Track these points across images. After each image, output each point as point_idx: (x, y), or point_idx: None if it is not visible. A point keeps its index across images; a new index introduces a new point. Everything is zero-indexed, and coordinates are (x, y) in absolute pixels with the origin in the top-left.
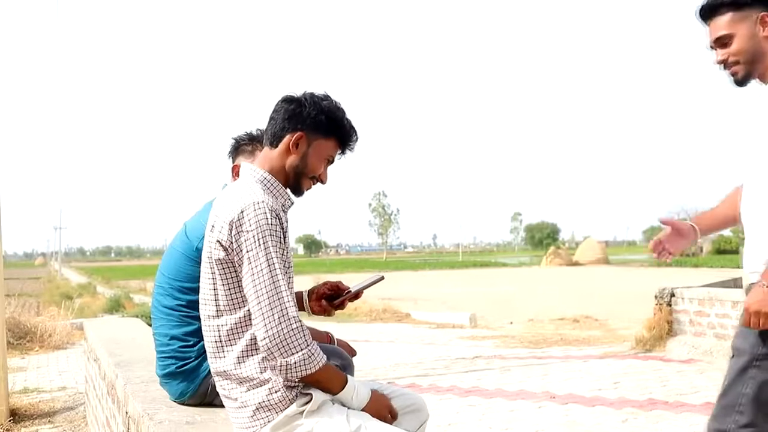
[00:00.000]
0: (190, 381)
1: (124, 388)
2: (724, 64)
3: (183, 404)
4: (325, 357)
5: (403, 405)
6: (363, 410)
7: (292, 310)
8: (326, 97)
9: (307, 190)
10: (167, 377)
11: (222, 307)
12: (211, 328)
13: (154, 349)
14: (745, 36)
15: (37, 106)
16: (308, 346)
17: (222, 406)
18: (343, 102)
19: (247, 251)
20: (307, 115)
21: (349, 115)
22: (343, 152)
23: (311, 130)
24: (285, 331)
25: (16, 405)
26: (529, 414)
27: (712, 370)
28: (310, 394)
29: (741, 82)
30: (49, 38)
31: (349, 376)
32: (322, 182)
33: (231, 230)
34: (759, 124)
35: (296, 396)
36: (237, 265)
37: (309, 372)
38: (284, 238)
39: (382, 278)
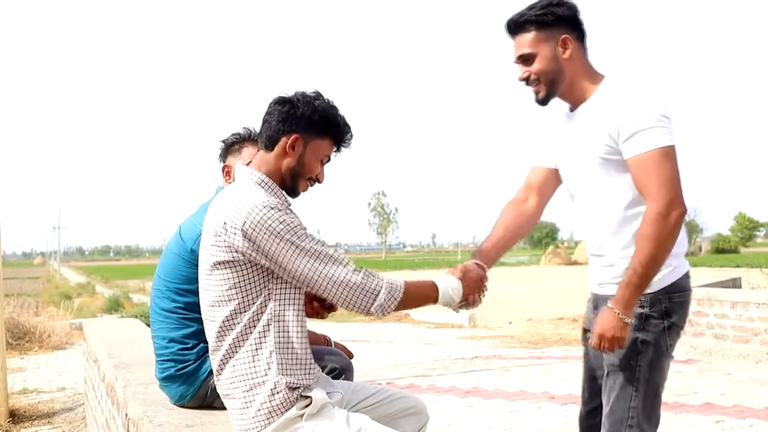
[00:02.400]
0: (190, 384)
1: (124, 390)
2: (527, 81)
3: (183, 407)
4: (401, 279)
5: (403, 408)
6: (462, 301)
7: (349, 262)
8: (318, 96)
9: (303, 191)
10: (166, 380)
11: (236, 307)
12: (226, 327)
13: (153, 351)
14: (547, 56)
15: (35, 106)
16: (383, 280)
17: (222, 408)
18: (342, 102)
19: (278, 244)
20: (301, 116)
21: (342, 112)
22: (338, 150)
23: (306, 131)
24: (359, 282)
25: (16, 406)
26: (529, 414)
27: (711, 371)
28: (310, 398)
29: (542, 101)
30: (48, 38)
31: (436, 280)
32: (319, 182)
33: (246, 234)
34: (581, 143)
35: (297, 398)
36: (260, 265)
37: (399, 299)
38: (302, 225)
39: None
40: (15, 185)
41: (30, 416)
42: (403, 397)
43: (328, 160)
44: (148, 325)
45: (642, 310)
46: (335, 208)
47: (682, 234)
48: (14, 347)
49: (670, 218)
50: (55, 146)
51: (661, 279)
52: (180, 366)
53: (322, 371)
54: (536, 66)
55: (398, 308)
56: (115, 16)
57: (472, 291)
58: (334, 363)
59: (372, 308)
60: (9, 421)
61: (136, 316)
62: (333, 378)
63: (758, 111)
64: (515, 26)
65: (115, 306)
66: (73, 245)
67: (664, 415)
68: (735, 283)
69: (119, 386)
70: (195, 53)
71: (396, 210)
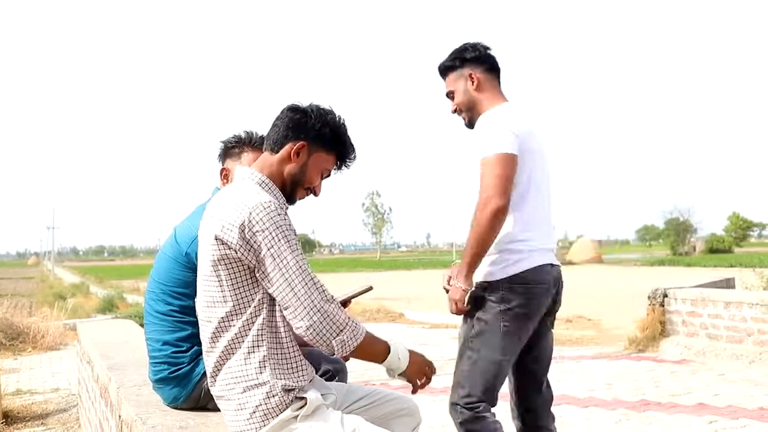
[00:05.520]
0: (183, 386)
1: (117, 391)
2: (456, 112)
3: (176, 409)
4: (363, 325)
5: (396, 409)
6: (404, 373)
7: (327, 291)
8: (331, 112)
9: (299, 199)
10: (160, 382)
11: (233, 308)
12: (222, 328)
13: (146, 352)
14: (461, 91)
15: (29, 106)
16: (349, 318)
17: (215, 410)
18: (337, 102)
19: (268, 249)
20: (312, 126)
21: (350, 133)
22: (339, 168)
23: (314, 141)
24: (330, 312)
25: (9, 407)
26: None
27: (704, 371)
28: (305, 399)
29: (469, 125)
30: (43, 37)
31: (391, 344)
32: (315, 194)
33: (242, 232)
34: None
35: (292, 400)
36: (251, 265)
37: (360, 340)
38: (296, 234)
39: (371, 289)
40: (9, 185)
41: (23, 417)
42: (396, 398)
43: (328, 175)
44: (142, 326)
45: (482, 294)
46: (329, 208)
47: (532, 233)
48: (8, 348)
49: (486, 210)
50: (49, 146)
51: (503, 269)
52: (173, 368)
53: (316, 373)
54: (456, 100)
55: (352, 353)
56: (110, 14)
57: (414, 373)
58: (329, 365)
59: (334, 341)
60: (2, 422)
61: (130, 317)
62: (327, 380)
63: (752, 112)
64: (440, 72)
65: (109, 306)
66: (67, 245)
67: (658, 415)
68: (728, 284)
69: (113, 388)
70: (191, 53)
71: (390, 210)
